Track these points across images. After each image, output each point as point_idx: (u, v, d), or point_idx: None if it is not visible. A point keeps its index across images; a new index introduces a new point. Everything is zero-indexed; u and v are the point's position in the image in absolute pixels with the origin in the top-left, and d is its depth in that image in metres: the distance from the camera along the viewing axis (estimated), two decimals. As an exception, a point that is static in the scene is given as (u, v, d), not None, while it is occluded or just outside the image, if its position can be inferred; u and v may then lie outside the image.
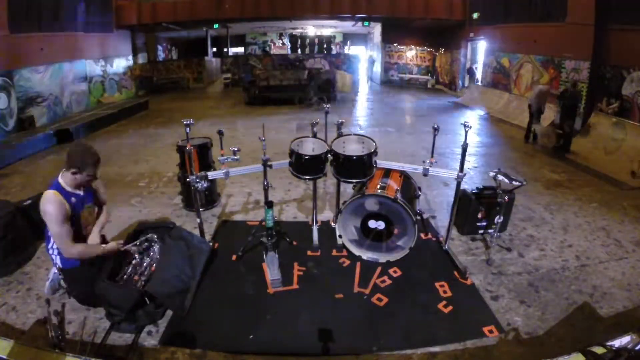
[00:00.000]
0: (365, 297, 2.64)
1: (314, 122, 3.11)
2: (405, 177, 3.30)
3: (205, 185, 2.79)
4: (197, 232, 3.12)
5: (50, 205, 2.15)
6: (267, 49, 20.81)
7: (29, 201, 3.38)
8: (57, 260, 2.37)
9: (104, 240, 2.59)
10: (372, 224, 2.97)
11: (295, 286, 2.75)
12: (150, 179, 5.02)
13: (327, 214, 3.92)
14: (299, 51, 17.35)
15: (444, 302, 2.55)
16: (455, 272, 2.86)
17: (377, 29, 16.46)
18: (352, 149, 2.97)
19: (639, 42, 5.81)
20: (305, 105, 10.57)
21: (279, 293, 2.68)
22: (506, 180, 2.88)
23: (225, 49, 19.43)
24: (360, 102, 12.01)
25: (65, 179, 2.27)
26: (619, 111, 5.99)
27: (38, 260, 3.11)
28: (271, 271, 2.80)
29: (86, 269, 2.35)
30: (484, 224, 3.32)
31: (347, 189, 4.12)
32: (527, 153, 6.11)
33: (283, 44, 19.43)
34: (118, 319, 2.28)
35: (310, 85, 10.89)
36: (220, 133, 3.01)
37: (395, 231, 2.98)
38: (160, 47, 17.30)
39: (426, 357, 2.15)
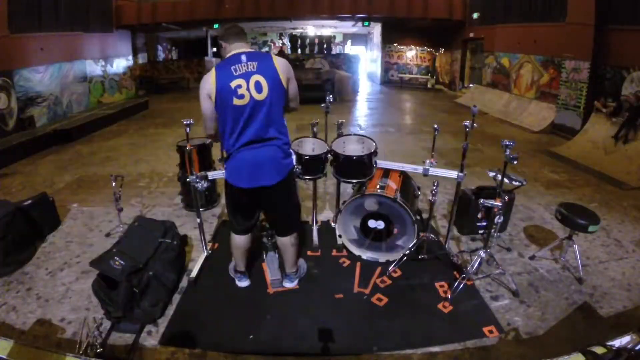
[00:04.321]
0: (365, 297, 2.64)
1: (313, 122, 3.11)
2: (405, 177, 3.30)
3: (205, 185, 2.79)
4: (197, 232, 3.13)
5: None
6: (268, 49, 20.81)
7: (29, 201, 3.38)
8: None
9: None
10: (371, 223, 2.97)
11: (295, 286, 2.75)
12: (150, 179, 5.02)
13: (327, 214, 3.92)
14: (299, 51, 17.35)
15: (444, 302, 2.55)
16: (455, 272, 2.86)
17: (377, 29, 16.46)
18: (352, 149, 2.97)
19: (639, 42, 5.81)
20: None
21: (279, 293, 2.68)
22: (506, 180, 2.88)
23: (225, 49, 19.38)
24: (360, 102, 12.01)
25: None
26: (615, 111, 5.98)
27: (38, 260, 3.11)
28: (271, 271, 2.80)
29: None
30: (484, 224, 3.32)
31: (347, 189, 4.12)
32: (527, 153, 6.11)
33: (283, 44, 19.43)
34: (115, 315, 2.28)
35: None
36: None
37: (395, 231, 2.99)
38: (160, 47, 17.28)
39: (426, 357, 2.15)
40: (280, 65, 2.13)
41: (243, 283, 2.73)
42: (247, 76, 2.05)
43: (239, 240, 2.56)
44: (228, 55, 2.15)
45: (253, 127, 2.12)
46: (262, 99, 2.08)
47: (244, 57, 2.08)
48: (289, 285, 2.71)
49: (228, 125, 2.13)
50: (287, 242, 2.56)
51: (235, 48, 2.16)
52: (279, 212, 2.49)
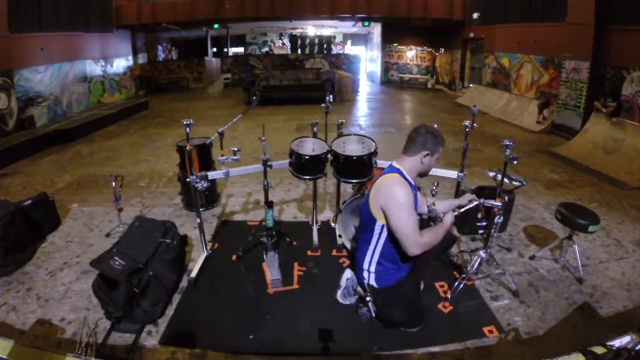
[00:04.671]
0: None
1: (313, 122, 3.11)
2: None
3: (205, 185, 2.80)
4: (197, 232, 3.13)
5: (401, 189, 1.91)
6: (268, 49, 20.82)
7: (29, 201, 3.38)
8: (372, 279, 2.18)
9: None
10: (372, 224, 2.97)
11: (295, 286, 2.75)
12: (150, 179, 5.02)
13: (327, 214, 3.92)
14: (299, 51, 17.36)
15: (444, 302, 2.55)
16: (455, 272, 2.86)
17: (377, 29, 16.47)
18: (352, 149, 2.97)
19: (639, 42, 5.81)
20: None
21: (279, 293, 2.68)
22: (506, 180, 2.88)
23: (225, 49, 19.43)
24: (360, 102, 12.01)
25: (407, 165, 2.08)
26: (616, 111, 5.99)
27: (38, 260, 3.11)
28: (271, 271, 2.80)
29: (410, 279, 2.19)
30: (484, 224, 3.32)
31: (347, 189, 4.12)
32: (527, 153, 6.11)
33: (283, 44, 19.44)
34: (115, 315, 2.28)
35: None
36: (221, 133, 3.01)
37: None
38: (160, 47, 17.29)
39: (426, 357, 2.15)
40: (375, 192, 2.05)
41: None
42: None
43: None
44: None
45: None
46: None
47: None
48: None
49: None
50: None
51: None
52: None
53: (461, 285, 2.62)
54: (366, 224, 2.12)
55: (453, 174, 2.87)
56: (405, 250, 1.95)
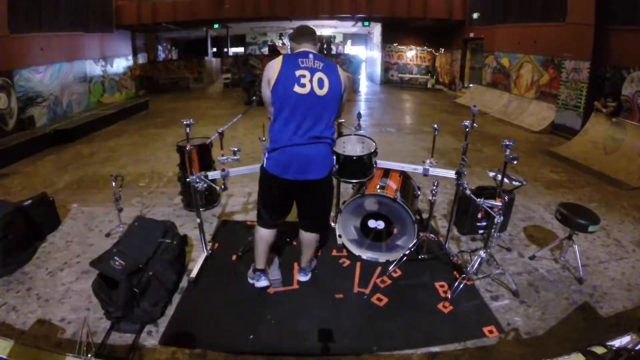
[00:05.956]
0: (365, 297, 2.64)
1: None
2: (405, 177, 3.30)
3: (205, 185, 2.79)
4: (197, 232, 3.13)
5: None
6: (269, 47, 20.77)
7: (29, 201, 3.38)
8: None
9: None
10: (371, 223, 2.97)
11: (295, 286, 2.75)
12: (150, 179, 5.02)
13: (327, 214, 3.92)
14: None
15: (444, 302, 2.56)
16: (455, 272, 2.86)
17: (377, 29, 16.46)
18: (352, 149, 2.97)
19: (639, 42, 5.81)
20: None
21: (279, 293, 2.68)
22: (506, 180, 2.88)
23: (225, 49, 19.43)
24: (361, 102, 12.01)
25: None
26: (616, 111, 5.99)
27: (38, 260, 3.11)
28: (271, 271, 2.80)
29: None
30: (484, 223, 3.32)
31: (347, 189, 4.12)
32: (527, 153, 6.11)
33: (283, 44, 19.41)
34: (115, 315, 2.28)
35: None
36: (221, 133, 3.00)
37: (395, 231, 2.99)
38: (160, 47, 17.30)
39: (426, 357, 2.15)
40: (343, 74, 2.28)
41: (262, 283, 2.66)
42: (312, 70, 2.15)
43: (267, 234, 2.54)
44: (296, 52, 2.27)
45: (310, 120, 2.18)
46: (322, 95, 2.16)
47: (311, 55, 2.20)
48: (303, 278, 2.77)
49: (284, 112, 2.18)
50: (312, 239, 2.62)
51: (303, 48, 2.27)
52: (314, 209, 2.52)
53: (461, 285, 2.62)
54: (333, 105, 2.28)
55: (453, 173, 2.87)
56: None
